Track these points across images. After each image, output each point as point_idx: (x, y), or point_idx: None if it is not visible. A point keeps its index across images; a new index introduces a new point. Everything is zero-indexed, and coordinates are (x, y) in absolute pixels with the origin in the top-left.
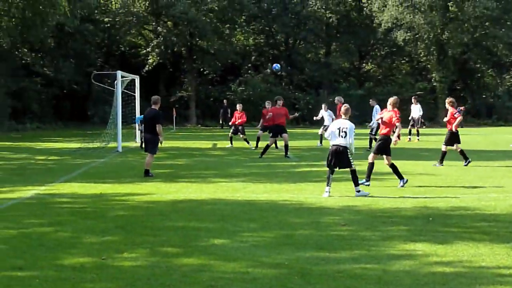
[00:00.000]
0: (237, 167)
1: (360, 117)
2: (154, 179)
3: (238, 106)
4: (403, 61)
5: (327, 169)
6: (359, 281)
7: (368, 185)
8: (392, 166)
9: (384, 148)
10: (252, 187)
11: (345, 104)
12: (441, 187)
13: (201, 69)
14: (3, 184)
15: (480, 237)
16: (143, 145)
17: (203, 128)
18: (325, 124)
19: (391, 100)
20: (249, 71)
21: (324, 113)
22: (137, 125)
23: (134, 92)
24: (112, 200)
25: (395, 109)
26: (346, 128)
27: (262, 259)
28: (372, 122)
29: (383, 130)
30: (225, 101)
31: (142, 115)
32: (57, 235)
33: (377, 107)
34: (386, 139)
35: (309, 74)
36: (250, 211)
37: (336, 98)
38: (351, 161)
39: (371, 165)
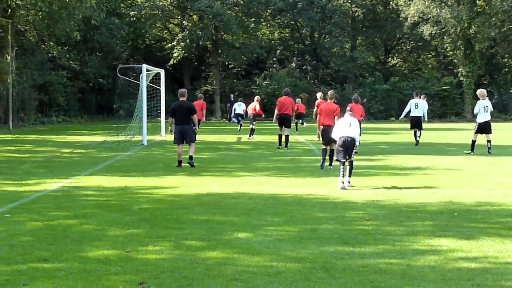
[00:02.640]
0: (261, 161)
1: (386, 112)
2: (178, 172)
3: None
4: (429, 56)
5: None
6: (383, 276)
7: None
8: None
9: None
10: (277, 181)
11: (348, 108)
12: (466, 182)
13: (226, 63)
14: (29, 177)
15: (506, 233)
16: (179, 137)
17: (228, 122)
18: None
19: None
20: (274, 65)
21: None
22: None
23: (159, 86)
24: (137, 193)
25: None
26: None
27: (286, 253)
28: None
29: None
30: (232, 95)
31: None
32: (82, 228)
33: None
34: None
35: (334, 68)
36: (274, 205)
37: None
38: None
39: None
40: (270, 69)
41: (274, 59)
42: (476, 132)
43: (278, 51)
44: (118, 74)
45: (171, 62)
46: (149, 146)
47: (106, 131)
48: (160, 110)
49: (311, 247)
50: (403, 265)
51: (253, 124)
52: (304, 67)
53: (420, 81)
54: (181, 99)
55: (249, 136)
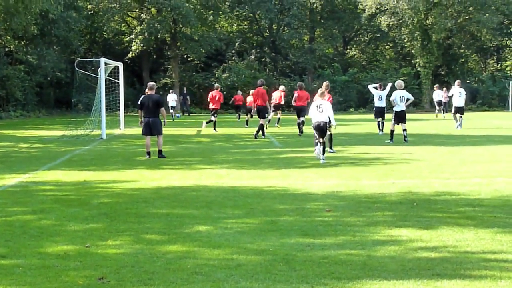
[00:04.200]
0: (221, 154)
1: (345, 103)
2: (138, 165)
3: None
4: (387, 47)
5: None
6: (344, 267)
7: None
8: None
9: None
10: (237, 174)
11: (321, 89)
12: (425, 172)
13: (185, 56)
14: None
15: (465, 222)
16: (146, 129)
17: (191, 115)
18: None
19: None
20: (233, 58)
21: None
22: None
23: (118, 79)
24: (96, 187)
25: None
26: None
27: (246, 246)
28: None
29: None
30: (184, 88)
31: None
32: (40, 223)
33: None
34: None
35: (293, 60)
36: (234, 197)
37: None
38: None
39: None
40: (229, 61)
41: (233, 51)
42: (395, 122)
43: (237, 44)
44: (76, 68)
45: (130, 55)
46: (108, 140)
47: (65, 126)
48: (119, 103)
49: (272, 239)
50: (364, 256)
51: (276, 114)
52: (263, 59)
53: (379, 72)
54: (149, 92)
55: (277, 124)
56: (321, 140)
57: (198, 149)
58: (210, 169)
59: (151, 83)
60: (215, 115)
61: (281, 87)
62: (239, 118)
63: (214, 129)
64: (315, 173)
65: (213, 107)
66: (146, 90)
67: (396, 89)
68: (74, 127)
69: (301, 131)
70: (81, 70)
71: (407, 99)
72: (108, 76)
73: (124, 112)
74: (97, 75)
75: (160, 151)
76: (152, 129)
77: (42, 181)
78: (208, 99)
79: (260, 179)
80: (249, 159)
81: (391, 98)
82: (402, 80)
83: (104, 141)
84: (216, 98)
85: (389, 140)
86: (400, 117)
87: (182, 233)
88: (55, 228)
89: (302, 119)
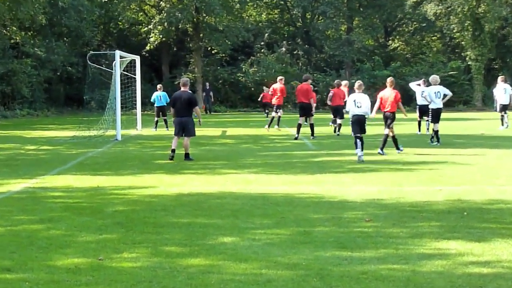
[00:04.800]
0: (248, 157)
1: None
2: (156, 170)
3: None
4: (434, 38)
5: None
6: (385, 284)
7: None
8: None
9: None
10: (266, 179)
11: (358, 81)
12: (477, 177)
13: (209, 48)
14: None
15: None
16: (178, 129)
17: (212, 113)
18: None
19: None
20: (262, 50)
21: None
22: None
23: (135, 74)
24: (110, 194)
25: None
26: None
27: (277, 259)
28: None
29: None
30: (207, 83)
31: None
32: (49, 233)
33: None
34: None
35: (328, 52)
36: (263, 205)
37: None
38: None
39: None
40: (258, 54)
41: (262, 43)
42: (434, 121)
43: (266, 35)
44: (89, 62)
45: (148, 47)
46: (124, 142)
47: (76, 125)
48: (135, 101)
49: (305, 252)
50: (408, 271)
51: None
52: (295, 52)
53: (424, 66)
54: (182, 89)
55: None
56: (360, 135)
57: (222, 152)
58: (237, 174)
59: (185, 79)
60: (278, 111)
61: (279, 78)
62: (267, 117)
63: (278, 125)
64: (353, 178)
65: (275, 102)
66: (181, 87)
67: (431, 85)
68: (86, 127)
69: (337, 130)
70: (94, 64)
71: (444, 95)
72: (123, 70)
73: (141, 111)
74: (112, 69)
75: (187, 154)
76: (184, 129)
77: (51, 186)
78: (270, 92)
79: (291, 185)
80: (279, 162)
81: (423, 95)
82: (450, 74)
83: (119, 143)
84: (279, 92)
85: (436, 142)
86: (433, 116)
87: (205, 245)
88: (65, 239)
89: (338, 121)
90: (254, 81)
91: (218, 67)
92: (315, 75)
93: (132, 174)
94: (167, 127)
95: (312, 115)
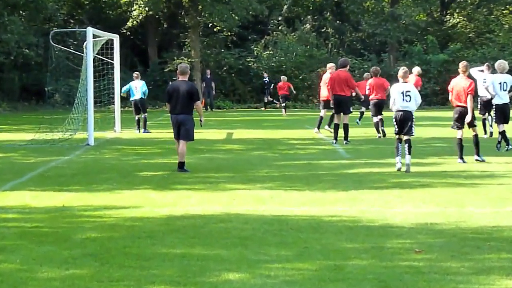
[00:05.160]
0: (262, 168)
1: (442, 94)
2: (141, 185)
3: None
4: (505, 12)
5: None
6: None
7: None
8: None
9: None
10: (284, 197)
11: (402, 67)
12: None
13: (210, 25)
14: None
15: None
16: (175, 130)
17: (214, 110)
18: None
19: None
20: (280, 28)
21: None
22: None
23: (112, 59)
24: (80, 216)
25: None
26: (410, 91)
27: None
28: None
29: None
30: (208, 71)
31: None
32: (0, 268)
33: None
34: None
35: (367, 30)
36: (280, 231)
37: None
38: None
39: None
40: (274, 33)
41: (280, 18)
42: (500, 121)
43: (285, 7)
44: (52, 42)
45: (129, 24)
46: (98, 147)
47: (35, 126)
48: (113, 94)
49: None
50: None
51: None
52: (323, 30)
53: (493, 49)
54: (180, 78)
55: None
56: (403, 137)
57: (228, 161)
58: (246, 190)
59: (183, 65)
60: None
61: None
62: (285, 112)
63: (329, 126)
64: (399, 196)
65: (324, 98)
66: (178, 76)
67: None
68: (49, 128)
69: (381, 132)
70: (58, 46)
71: None
72: (97, 54)
73: (121, 107)
74: (82, 52)
75: (181, 164)
76: (180, 130)
77: (2, 206)
78: (322, 84)
79: (318, 204)
80: (302, 175)
81: (485, 85)
82: None
83: (91, 149)
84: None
85: (508, 146)
86: (499, 113)
87: (204, 284)
88: (20, 275)
89: (379, 116)
90: (269, 67)
91: (222, 50)
92: (350, 59)
93: (109, 190)
94: (145, 127)
95: (349, 112)
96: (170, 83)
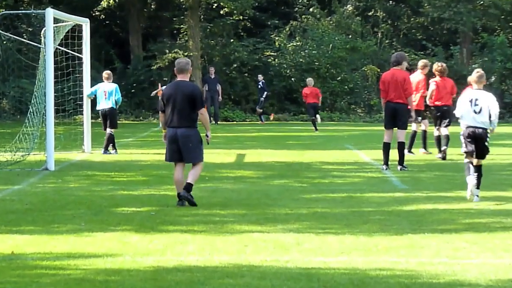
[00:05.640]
0: (285, 203)
1: None
2: (119, 225)
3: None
4: None
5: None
6: None
7: None
8: None
9: None
10: (316, 242)
11: (477, 70)
12: None
13: (214, 5)
14: None
15: None
16: (172, 150)
17: (219, 123)
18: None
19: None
20: (312, 10)
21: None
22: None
23: (81, 52)
24: (35, 267)
25: None
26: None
27: None
28: None
29: None
30: (212, 69)
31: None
32: None
33: None
34: None
35: (430, 16)
36: None
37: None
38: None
39: None
40: (303, 17)
41: None
42: None
43: None
44: None
45: (104, 3)
46: (60, 173)
47: None
48: (81, 100)
49: None
50: None
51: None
52: (371, 13)
53: None
54: (179, 78)
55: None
56: (473, 161)
57: (238, 193)
58: (263, 233)
59: (182, 61)
60: (418, 120)
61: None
62: (316, 129)
63: (425, 146)
64: (473, 242)
65: (415, 105)
66: (177, 76)
67: None
68: None
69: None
70: (7, 34)
71: None
72: (60, 45)
73: (93, 117)
74: (40, 43)
75: (188, 186)
76: (182, 149)
77: None
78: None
79: (362, 253)
80: (340, 213)
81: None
82: None
83: (51, 175)
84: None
85: None
86: None
87: None
88: None
89: (444, 131)
90: (296, 65)
91: (232, 40)
92: (407, 52)
93: (75, 231)
94: (105, 148)
95: (406, 127)
96: (160, 86)
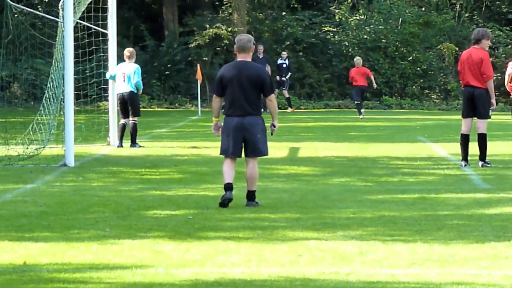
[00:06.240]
0: (346, 205)
1: None
2: (150, 231)
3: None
4: None
5: None
6: None
7: None
8: None
9: None
10: (382, 252)
11: None
12: None
13: None
14: None
15: None
16: (235, 141)
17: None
18: None
19: None
20: None
21: None
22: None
23: (106, 28)
24: (52, 280)
25: None
26: None
27: None
28: None
29: None
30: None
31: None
32: None
33: None
34: None
35: None
36: None
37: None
38: None
39: None
40: None
41: None
42: None
43: None
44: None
45: None
46: (81, 170)
47: None
48: (106, 84)
49: None
50: None
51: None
52: None
53: None
54: (240, 57)
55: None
56: None
57: (291, 194)
58: (320, 241)
59: (244, 38)
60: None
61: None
62: (360, 115)
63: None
64: None
65: None
66: (237, 55)
67: None
68: (2, 139)
69: None
70: (18, 5)
71: None
72: (81, 19)
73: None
74: (57, 17)
75: (250, 194)
76: (249, 140)
77: None
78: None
79: (437, 264)
80: (411, 218)
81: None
82: None
83: (71, 172)
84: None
85: None
86: None
87: None
88: None
89: None
90: (360, 42)
91: (284, 13)
92: (489, 30)
93: (98, 238)
94: (132, 141)
95: (487, 116)
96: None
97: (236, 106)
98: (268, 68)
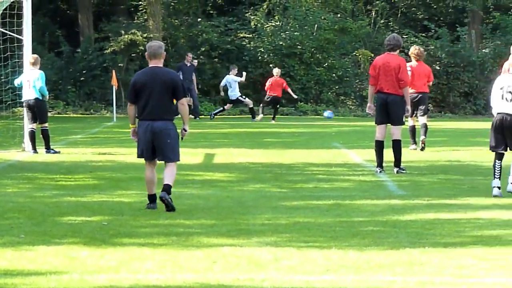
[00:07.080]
0: (261, 211)
1: None
2: (65, 238)
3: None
4: None
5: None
6: None
7: None
8: None
9: None
10: (297, 259)
11: None
12: None
13: None
14: None
15: None
16: (147, 146)
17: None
18: None
19: None
20: None
21: None
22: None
23: (21, 33)
24: None
25: None
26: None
27: None
28: None
29: None
30: (189, 55)
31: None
32: None
33: None
34: None
35: None
36: None
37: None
38: None
39: None
40: None
41: None
42: None
43: None
44: None
45: None
46: None
47: None
48: (21, 90)
49: None
50: None
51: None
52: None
53: None
54: (152, 63)
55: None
56: (504, 151)
57: (206, 200)
58: (234, 247)
59: (155, 44)
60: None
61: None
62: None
63: None
64: (483, 258)
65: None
66: (149, 61)
67: None
68: None
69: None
70: None
71: None
72: None
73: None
74: None
75: (168, 188)
76: (157, 145)
77: None
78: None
79: (351, 271)
80: (326, 224)
81: None
82: None
83: None
84: None
85: None
86: None
87: None
88: None
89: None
90: (275, 48)
91: (199, 19)
92: (404, 36)
93: (12, 245)
94: (47, 146)
95: (402, 123)
96: (114, 73)
97: (148, 110)
98: (194, 77)
